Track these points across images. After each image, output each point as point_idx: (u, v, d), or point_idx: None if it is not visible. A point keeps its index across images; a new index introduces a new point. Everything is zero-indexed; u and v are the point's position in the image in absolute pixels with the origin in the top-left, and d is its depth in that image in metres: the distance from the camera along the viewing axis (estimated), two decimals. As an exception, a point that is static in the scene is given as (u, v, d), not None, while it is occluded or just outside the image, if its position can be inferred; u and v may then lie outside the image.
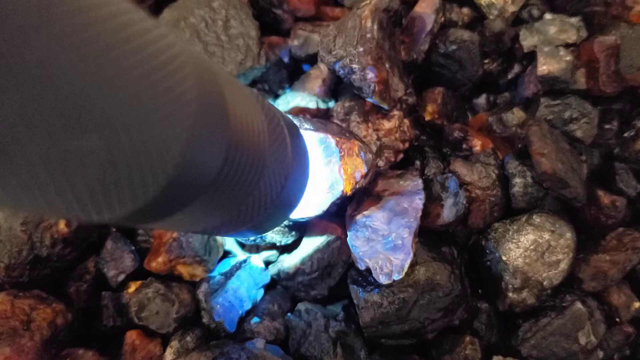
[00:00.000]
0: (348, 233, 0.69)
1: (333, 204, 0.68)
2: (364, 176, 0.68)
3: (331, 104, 0.79)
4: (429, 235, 0.70)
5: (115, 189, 0.27)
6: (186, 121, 0.29)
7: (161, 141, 0.27)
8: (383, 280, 0.63)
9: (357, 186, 0.68)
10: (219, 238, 0.75)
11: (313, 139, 0.68)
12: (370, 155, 0.68)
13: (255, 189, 0.44)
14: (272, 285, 0.75)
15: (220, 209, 0.41)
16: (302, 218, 0.69)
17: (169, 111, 0.27)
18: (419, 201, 0.68)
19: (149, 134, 0.26)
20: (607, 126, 0.75)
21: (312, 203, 0.68)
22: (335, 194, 0.67)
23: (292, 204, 0.59)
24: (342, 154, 0.68)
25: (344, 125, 0.75)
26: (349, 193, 0.67)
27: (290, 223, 0.74)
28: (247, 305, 0.72)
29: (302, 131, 0.68)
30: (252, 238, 0.73)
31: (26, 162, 0.21)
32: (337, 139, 0.68)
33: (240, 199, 0.43)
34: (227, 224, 0.46)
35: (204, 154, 0.32)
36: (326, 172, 0.68)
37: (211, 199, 0.38)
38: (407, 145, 0.75)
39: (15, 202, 0.25)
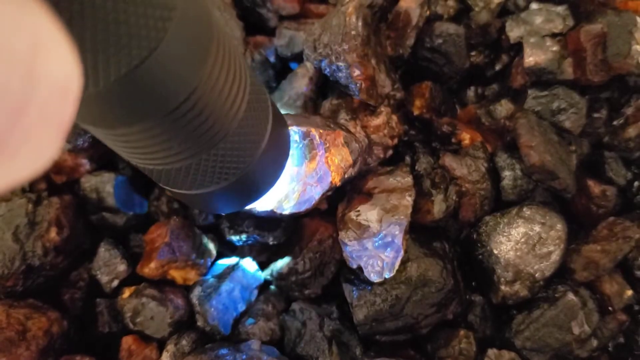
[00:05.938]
0: (339, 232, 0.69)
1: (323, 196, 0.67)
2: (352, 165, 0.67)
3: (319, 102, 0.79)
4: (420, 231, 0.70)
5: (113, 45, 0.29)
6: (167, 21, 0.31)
7: (154, 14, 0.30)
8: (374, 278, 0.63)
9: (346, 176, 0.67)
10: (210, 241, 0.75)
11: (297, 132, 0.67)
12: (357, 144, 0.68)
13: (220, 143, 0.43)
14: (265, 286, 0.75)
15: (180, 143, 0.40)
16: (293, 213, 0.68)
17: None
18: (409, 198, 0.68)
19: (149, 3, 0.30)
20: (595, 115, 0.75)
21: (301, 197, 0.68)
22: (325, 186, 0.67)
23: (254, 191, 0.56)
24: (327, 145, 0.67)
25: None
26: (338, 184, 0.67)
27: (282, 222, 0.74)
28: (242, 307, 0.72)
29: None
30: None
31: None
32: (321, 131, 0.67)
33: (200, 143, 0.42)
34: (188, 171, 0.45)
35: (178, 63, 0.33)
36: (313, 165, 0.68)
37: (173, 126, 0.37)
38: (396, 141, 0.75)
39: None
